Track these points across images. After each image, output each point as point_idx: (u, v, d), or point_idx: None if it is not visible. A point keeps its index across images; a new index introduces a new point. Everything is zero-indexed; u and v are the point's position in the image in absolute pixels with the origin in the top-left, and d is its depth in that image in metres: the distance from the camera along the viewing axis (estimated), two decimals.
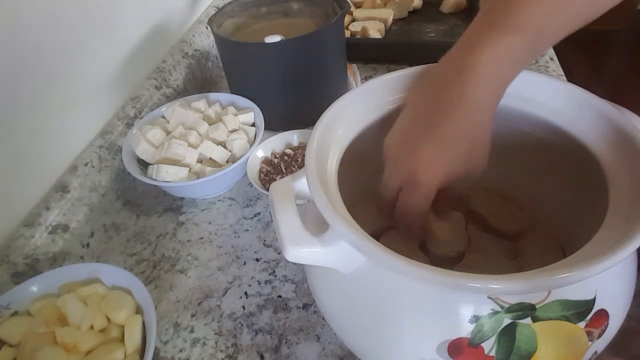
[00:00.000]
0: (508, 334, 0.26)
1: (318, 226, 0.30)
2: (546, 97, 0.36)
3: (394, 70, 0.39)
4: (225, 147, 0.59)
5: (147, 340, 0.40)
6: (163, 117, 0.63)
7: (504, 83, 0.32)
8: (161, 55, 0.75)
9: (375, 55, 0.82)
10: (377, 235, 0.44)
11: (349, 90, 0.42)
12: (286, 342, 0.44)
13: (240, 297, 0.49)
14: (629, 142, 0.31)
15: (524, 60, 0.32)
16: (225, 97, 0.67)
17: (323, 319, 0.45)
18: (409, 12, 0.94)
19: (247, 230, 0.56)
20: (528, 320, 0.26)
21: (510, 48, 0.31)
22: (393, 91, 0.38)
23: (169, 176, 0.54)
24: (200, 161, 0.58)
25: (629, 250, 0.24)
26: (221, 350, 0.44)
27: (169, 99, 0.71)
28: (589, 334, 0.27)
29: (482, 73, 0.31)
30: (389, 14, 0.90)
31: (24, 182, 0.51)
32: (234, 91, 0.69)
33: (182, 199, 0.61)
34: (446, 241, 0.40)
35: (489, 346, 0.27)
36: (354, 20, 0.91)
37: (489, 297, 0.26)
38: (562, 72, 0.73)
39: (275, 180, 0.57)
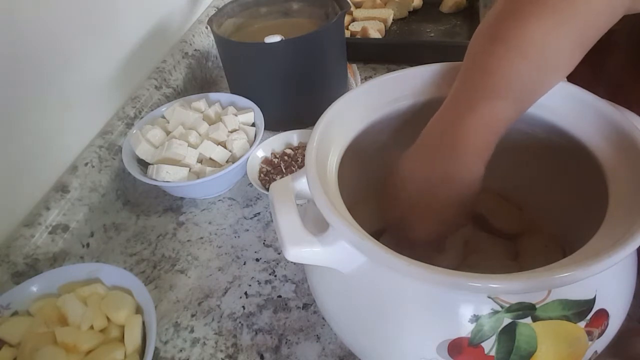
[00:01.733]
0: (508, 334, 0.26)
1: (318, 226, 0.30)
2: (546, 97, 0.36)
3: (394, 70, 0.39)
4: (225, 147, 0.59)
5: (147, 340, 0.40)
6: (163, 117, 0.63)
7: (490, 147, 0.33)
8: (161, 55, 0.75)
9: (375, 55, 0.82)
10: (377, 235, 0.44)
11: (349, 90, 0.42)
12: (286, 342, 0.44)
13: (240, 297, 0.49)
14: (629, 142, 0.31)
15: (510, 119, 0.33)
16: (225, 97, 0.67)
17: (323, 319, 0.45)
18: (409, 12, 0.94)
19: (247, 230, 0.56)
20: (528, 320, 0.26)
21: (493, 112, 0.32)
22: (393, 91, 0.38)
23: (169, 176, 0.54)
24: (200, 161, 0.58)
25: (629, 250, 0.24)
26: (221, 350, 0.44)
27: (169, 99, 0.71)
28: (589, 333, 0.27)
29: (469, 146, 0.33)
30: (389, 14, 0.90)
31: (24, 182, 0.51)
32: (234, 91, 0.69)
33: (182, 199, 0.61)
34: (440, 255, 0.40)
35: (489, 346, 0.27)
36: (354, 20, 0.91)
37: (489, 297, 0.26)
38: None
39: (275, 180, 0.57)
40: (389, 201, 0.39)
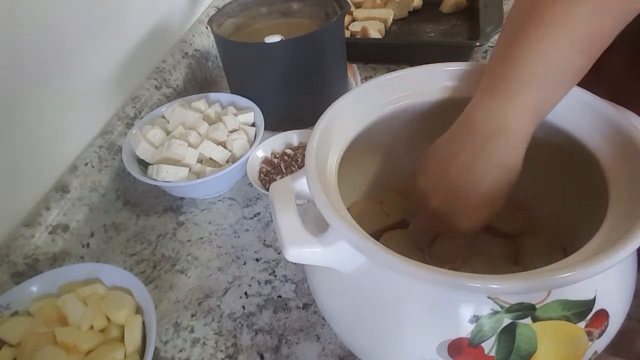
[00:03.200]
0: (508, 334, 0.26)
1: (318, 226, 0.30)
2: None
3: (394, 70, 0.39)
4: (225, 147, 0.59)
5: (147, 340, 0.40)
6: (163, 117, 0.63)
7: (531, 132, 0.33)
8: (161, 55, 0.75)
9: (375, 55, 0.82)
10: (377, 235, 0.44)
11: (349, 90, 0.42)
12: (286, 342, 0.44)
13: (240, 297, 0.49)
14: (629, 142, 0.31)
15: (553, 104, 0.32)
16: (225, 97, 0.67)
17: (323, 319, 0.45)
18: (409, 12, 0.94)
19: (247, 230, 0.56)
20: (528, 320, 0.26)
21: (539, 97, 0.31)
22: (393, 91, 0.38)
23: (169, 176, 0.54)
24: (200, 161, 0.58)
25: (629, 250, 0.24)
26: (221, 350, 0.44)
27: (169, 99, 0.71)
28: (589, 334, 0.27)
29: (516, 131, 0.32)
30: (389, 14, 0.90)
31: (24, 182, 0.51)
32: (234, 91, 0.69)
33: (182, 199, 0.61)
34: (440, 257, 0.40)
35: (489, 346, 0.27)
36: (354, 20, 0.91)
37: (489, 297, 0.26)
38: None
39: (275, 180, 0.57)
40: (423, 192, 0.37)
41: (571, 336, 0.27)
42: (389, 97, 0.38)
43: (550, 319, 0.26)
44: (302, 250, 0.29)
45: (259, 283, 0.50)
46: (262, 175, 0.59)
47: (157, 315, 0.44)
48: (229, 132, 0.60)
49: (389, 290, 0.29)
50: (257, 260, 0.52)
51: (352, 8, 0.95)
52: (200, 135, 0.60)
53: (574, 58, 0.30)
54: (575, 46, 0.30)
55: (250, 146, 0.59)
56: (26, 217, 0.51)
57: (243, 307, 0.48)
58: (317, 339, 0.44)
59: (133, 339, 0.41)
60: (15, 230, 0.49)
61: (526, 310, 0.26)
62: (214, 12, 0.69)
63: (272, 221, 0.57)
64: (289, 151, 0.61)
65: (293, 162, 0.60)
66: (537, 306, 0.26)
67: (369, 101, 0.38)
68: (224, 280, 0.51)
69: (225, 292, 0.49)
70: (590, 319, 0.27)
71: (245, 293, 0.49)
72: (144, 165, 0.59)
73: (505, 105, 0.32)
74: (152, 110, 0.65)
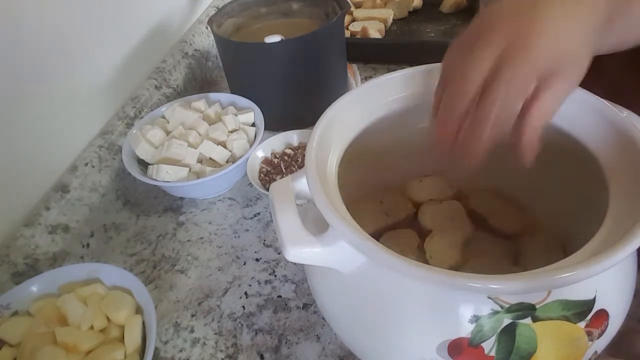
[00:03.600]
0: (508, 334, 0.26)
1: (318, 226, 0.30)
2: None
3: (394, 70, 0.39)
4: (225, 147, 0.59)
5: (147, 340, 0.40)
6: (163, 117, 0.63)
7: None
8: (161, 55, 0.75)
9: (375, 55, 0.82)
10: (377, 235, 0.44)
11: (349, 90, 0.42)
12: (286, 342, 0.44)
13: (240, 297, 0.49)
14: (629, 142, 0.31)
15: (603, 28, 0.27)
16: (225, 97, 0.67)
17: (323, 319, 0.45)
18: (409, 12, 0.94)
19: (247, 230, 0.56)
20: (528, 320, 0.26)
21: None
22: (393, 91, 0.38)
23: (169, 176, 0.54)
24: (200, 161, 0.58)
25: (629, 250, 0.24)
26: (221, 350, 0.44)
27: (169, 99, 0.71)
28: (589, 334, 0.27)
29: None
30: (389, 14, 0.90)
31: (24, 182, 0.51)
32: (234, 91, 0.69)
33: (182, 199, 0.61)
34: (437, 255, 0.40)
35: (489, 346, 0.27)
36: (354, 20, 0.91)
37: (489, 297, 0.26)
38: None
39: (275, 180, 0.57)
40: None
41: (571, 336, 0.27)
42: (389, 97, 0.38)
43: (550, 319, 0.26)
44: (302, 250, 0.29)
45: (259, 283, 0.50)
46: (262, 175, 0.59)
47: (157, 315, 0.44)
48: (229, 132, 0.60)
49: (388, 290, 0.29)
50: (257, 260, 0.52)
51: (352, 8, 0.95)
52: (200, 135, 0.60)
53: None
54: None
55: (250, 146, 0.59)
56: (26, 217, 0.50)
57: (243, 307, 0.48)
58: (317, 339, 0.44)
59: (133, 339, 0.41)
60: (15, 230, 0.49)
61: (526, 310, 0.26)
62: (214, 12, 0.69)
63: (272, 221, 0.57)
64: (289, 151, 0.61)
65: (293, 162, 0.60)
66: (537, 306, 0.26)
67: (369, 101, 0.38)
68: (224, 280, 0.51)
69: (225, 292, 0.49)
70: (590, 319, 0.27)
71: (245, 293, 0.49)
72: (144, 165, 0.59)
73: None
74: (152, 110, 0.65)
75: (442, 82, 0.30)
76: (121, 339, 0.41)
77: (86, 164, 0.56)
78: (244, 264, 0.52)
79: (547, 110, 0.26)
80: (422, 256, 0.41)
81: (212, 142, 0.58)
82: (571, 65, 0.26)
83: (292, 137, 0.63)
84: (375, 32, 0.85)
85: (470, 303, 0.27)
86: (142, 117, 0.64)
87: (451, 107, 0.27)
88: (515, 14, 0.26)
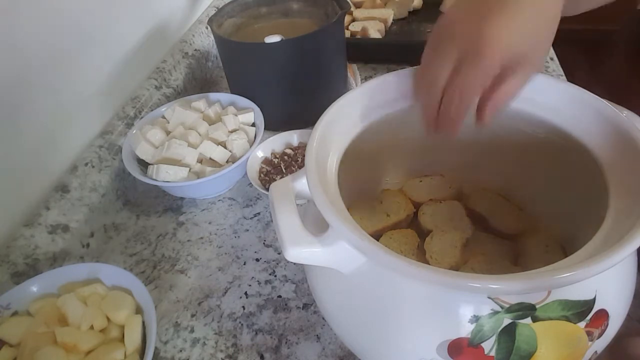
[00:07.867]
0: (508, 334, 0.26)
1: (318, 226, 0.30)
2: (546, 97, 0.36)
3: (394, 70, 0.39)
4: (225, 147, 0.59)
5: (147, 340, 0.40)
6: (163, 117, 0.63)
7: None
8: (161, 55, 0.75)
9: (375, 55, 0.82)
10: (377, 235, 0.44)
11: (349, 90, 0.42)
12: (286, 342, 0.44)
13: (240, 297, 0.49)
14: (629, 142, 0.31)
15: None
16: (225, 97, 0.67)
17: (323, 319, 0.45)
18: (409, 12, 0.94)
19: (247, 230, 0.56)
20: (528, 320, 0.26)
21: None
22: (393, 91, 0.38)
23: (169, 176, 0.54)
24: (200, 161, 0.58)
25: (629, 250, 0.24)
26: (221, 350, 0.44)
27: (169, 99, 0.71)
28: (589, 334, 0.27)
29: None
30: (389, 14, 0.90)
31: (24, 182, 0.51)
32: (234, 91, 0.69)
33: (182, 199, 0.61)
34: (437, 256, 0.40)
35: (489, 346, 0.27)
36: (354, 20, 0.91)
37: (489, 297, 0.26)
38: (562, 72, 0.73)
39: (275, 180, 0.57)
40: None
41: (571, 336, 0.27)
42: (389, 97, 0.38)
43: (550, 319, 0.26)
44: (302, 250, 0.29)
45: (259, 283, 0.50)
46: (262, 175, 0.59)
47: (157, 315, 0.44)
48: (229, 132, 0.60)
49: (388, 290, 0.29)
50: (257, 260, 0.52)
51: (352, 8, 0.95)
52: (200, 135, 0.60)
53: None
54: None
55: (250, 146, 0.59)
56: (26, 217, 0.50)
57: (243, 307, 0.48)
58: (317, 339, 0.44)
59: (133, 339, 0.41)
60: (15, 230, 0.49)
61: (526, 310, 0.26)
62: (214, 12, 0.69)
63: (272, 221, 0.57)
64: (289, 151, 0.61)
65: (293, 162, 0.60)
66: (537, 306, 0.26)
67: (369, 101, 0.38)
68: (224, 280, 0.51)
69: (225, 292, 0.49)
70: (590, 319, 0.27)
71: (245, 293, 0.49)
72: (144, 165, 0.59)
73: None
74: (152, 110, 0.65)
75: (418, 83, 0.37)
76: (121, 339, 0.41)
77: (86, 164, 0.56)
78: (244, 264, 0.52)
79: (507, 93, 0.31)
80: (422, 256, 0.41)
81: (212, 142, 0.58)
82: (532, 53, 0.31)
83: (292, 137, 0.63)
84: (375, 32, 0.85)
85: (470, 303, 0.27)
86: (142, 117, 0.64)
87: (428, 100, 0.34)
88: (468, 21, 0.31)
